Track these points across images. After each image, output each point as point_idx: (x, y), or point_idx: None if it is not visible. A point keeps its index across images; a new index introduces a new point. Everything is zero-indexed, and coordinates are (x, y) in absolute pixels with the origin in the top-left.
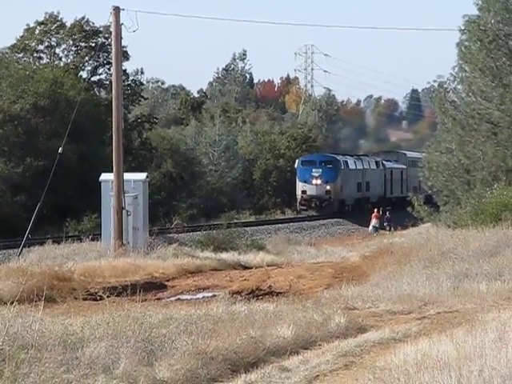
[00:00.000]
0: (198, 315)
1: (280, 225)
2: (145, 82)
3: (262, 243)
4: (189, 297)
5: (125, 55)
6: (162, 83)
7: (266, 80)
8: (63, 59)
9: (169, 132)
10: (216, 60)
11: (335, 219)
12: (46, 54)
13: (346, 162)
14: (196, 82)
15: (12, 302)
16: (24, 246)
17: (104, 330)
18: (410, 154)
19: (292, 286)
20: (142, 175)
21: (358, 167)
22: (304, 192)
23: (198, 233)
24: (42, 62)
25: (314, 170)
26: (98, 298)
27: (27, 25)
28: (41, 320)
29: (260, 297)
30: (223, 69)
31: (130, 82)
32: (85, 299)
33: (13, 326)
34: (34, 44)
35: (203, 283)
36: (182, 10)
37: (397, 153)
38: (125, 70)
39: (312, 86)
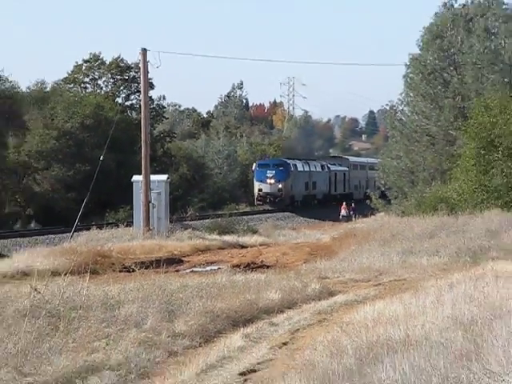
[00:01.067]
0: (207, 283)
1: (269, 214)
2: (166, 106)
3: (255, 228)
4: (200, 269)
5: (150, 85)
6: (179, 106)
7: (258, 104)
8: (104, 88)
9: (184, 144)
10: (220, 88)
11: (287, 213)
12: (90, 85)
13: (296, 165)
14: (205, 105)
15: (65, 274)
16: (74, 231)
17: (135, 294)
18: (352, 158)
19: (278, 261)
20: (164, 177)
21: (305, 169)
22: (260, 190)
23: (207, 220)
24: (87, 90)
25: (268, 172)
26: (131, 270)
27: (76, 62)
28: (87, 287)
29: (254, 269)
30: (225, 95)
31: (154, 106)
32: (121, 271)
33: (66, 292)
34: (81, 77)
35: (211, 259)
36: (195, 49)
37: (341, 158)
38: (150, 97)
39: (293, 108)
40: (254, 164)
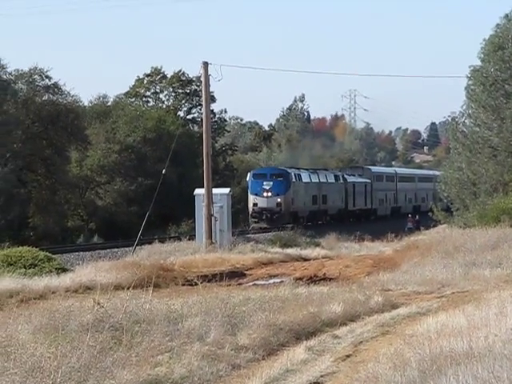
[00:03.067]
0: (269, 296)
1: (332, 227)
2: (228, 119)
3: (317, 241)
4: (262, 282)
5: (212, 99)
6: (241, 120)
7: (320, 116)
8: (165, 102)
9: (246, 157)
10: (281, 101)
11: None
12: (152, 99)
13: (299, 175)
14: (266, 119)
15: (128, 288)
16: (137, 245)
17: (198, 308)
18: (375, 168)
19: (341, 274)
20: (226, 190)
21: (313, 180)
22: (255, 205)
23: (269, 233)
24: (149, 104)
25: (264, 183)
26: (194, 283)
27: (137, 76)
28: (150, 301)
29: (317, 282)
30: (287, 108)
31: (216, 119)
32: (183, 285)
33: (129, 306)
34: (142, 91)
35: (273, 272)
36: (256, 62)
37: (362, 168)
38: (212, 110)
39: (355, 120)
40: (249, 174)
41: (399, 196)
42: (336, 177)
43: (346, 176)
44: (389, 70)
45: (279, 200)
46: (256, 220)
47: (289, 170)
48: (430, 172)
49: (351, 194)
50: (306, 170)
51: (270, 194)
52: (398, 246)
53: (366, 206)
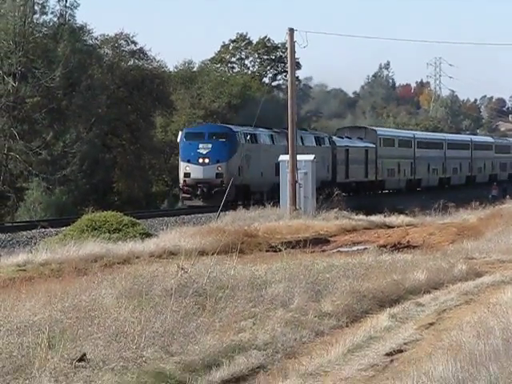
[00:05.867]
0: (353, 263)
1: (417, 193)
2: (312, 86)
3: (401, 208)
4: (346, 249)
5: (297, 65)
6: (326, 86)
7: (405, 84)
8: (250, 68)
9: (331, 123)
10: (366, 68)
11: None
12: (237, 65)
13: (254, 135)
14: (351, 85)
15: (213, 253)
16: (221, 211)
17: (282, 274)
18: (381, 130)
19: (425, 241)
20: (311, 157)
21: (277, 143)
22: (187, 175)
23: (354, 200)
24: (234, 70)
25: (200, 146)
26: (278, 250)
27: (223, 42)
28: (234, 267)
29: (400, 249)
30: (372, 75)
31: (301, 86)
32: (267, 251)
33: (213, 272)
34: (228, 57)
35: (357, 239)
36: (341, 29)
37: (364, 129)
38: (297, 77)
39: (440, 88)
40: (180, 133)
41: (418, 165)
42: (318, 139)
43: (335, 139)
44: (474, 38)
45: (220, 169)
46: (188, 196)
47: (235, 129)
48: (466, 137)
49: (343, 162)
50: (269, 129)
51: (207, 160)
52: (482, 214)
53: (366, 177)
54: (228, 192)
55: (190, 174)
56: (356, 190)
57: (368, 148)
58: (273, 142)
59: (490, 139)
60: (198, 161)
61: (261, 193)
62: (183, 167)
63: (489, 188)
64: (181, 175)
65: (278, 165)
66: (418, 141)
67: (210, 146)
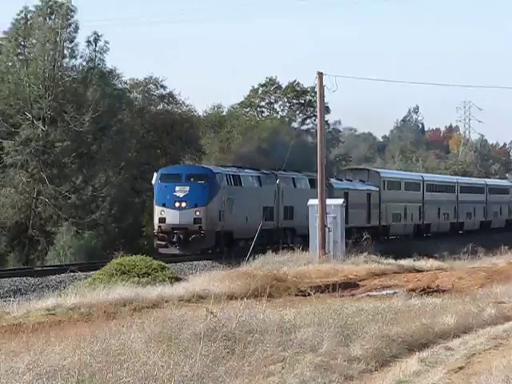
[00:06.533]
0: (382, 307)
1: (444, 238)
2: (341, 130)
3: (430, 253)
4: (375, 293)
5: (326, 109)
6: (355, 131)
7: (434, 128)
8: (279, 113)
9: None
10: (396, 113)
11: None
12: (266, 109)
13: (238, 176)
14: (380, 130)
15: (242, 298)
16: (250, 255)
17: (311, 318)
18: (385, 172)
19: (454, 286)
20: (340, 201)
21: (265, 185)
22: (162, 220)
23: (383, 245)
24: (263, 114)
25: (177, 189)
26: (307, 294)
27: (252, 86)
28: (263, 311)
29: (430, 293)
30: (401, 120)
31: (330, 130)
32: (296, 295)
33: (242, 316)
34: (257, 101)
35: (386, 283)
36: (370, 73)
37: (367, 171)
38: (326, 121)
39: (469, 132)
40: (155, 174)
41: (427, 210)
42: (312, 182)
43: (332, 181)
44: (503, 81)
45: (198, 213)
46: (164, 243)
47: (215, 170)
48: (480, 180)
49: None
50: (255, 170)
51: (184, 204)
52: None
53: (368, 222)
54: (206, 239)
55: (165, 218)
56: (357, 236)
57: (371, 191)
58: (260, 185)
59: (506, 182)
60: (174, 205)
61: (246, 240)
62: (158, 211)
63: (506, 233)
64: (155, 220)
65: (265, 209)
66: (427, 183)
67: (187, 188)
